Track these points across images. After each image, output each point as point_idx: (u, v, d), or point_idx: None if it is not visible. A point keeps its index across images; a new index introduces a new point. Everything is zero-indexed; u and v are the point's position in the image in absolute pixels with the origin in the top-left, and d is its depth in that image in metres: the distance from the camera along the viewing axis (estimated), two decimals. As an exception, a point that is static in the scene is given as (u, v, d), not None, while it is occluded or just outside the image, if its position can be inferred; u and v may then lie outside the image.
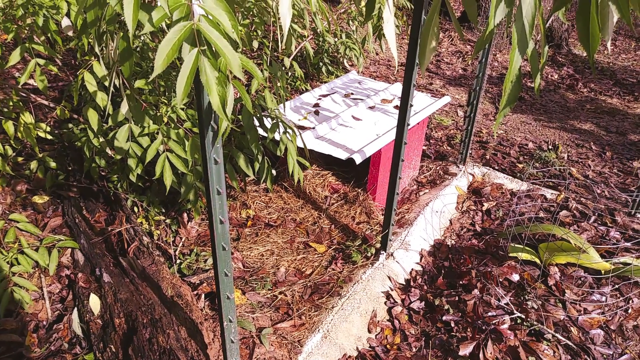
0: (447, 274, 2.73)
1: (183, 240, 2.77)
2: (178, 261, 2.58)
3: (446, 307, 2.48)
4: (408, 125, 2.28)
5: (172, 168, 2.23)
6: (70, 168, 2.96)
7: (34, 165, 2.78)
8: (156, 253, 2.47)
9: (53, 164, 2.82)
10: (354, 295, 2.45)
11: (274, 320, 2.29)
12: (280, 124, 2.39)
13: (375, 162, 2.97)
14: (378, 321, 2.44)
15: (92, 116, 2.19)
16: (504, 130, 4.65)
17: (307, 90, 4.60)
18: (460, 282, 2.61)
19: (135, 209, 2.83)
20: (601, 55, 7.82)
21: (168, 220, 2.84)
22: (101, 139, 2.43)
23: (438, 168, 3.65)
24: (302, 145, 2.60)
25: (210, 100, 1.13)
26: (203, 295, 2.34)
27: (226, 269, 1.61)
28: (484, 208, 3.33)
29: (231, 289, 1.65)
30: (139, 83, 2.37)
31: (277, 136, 2.42)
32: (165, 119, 2.35)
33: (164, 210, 2.88)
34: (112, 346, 1.93)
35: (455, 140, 4.18)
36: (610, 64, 7.31)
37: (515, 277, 2.60)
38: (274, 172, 2.73)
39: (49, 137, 2.72)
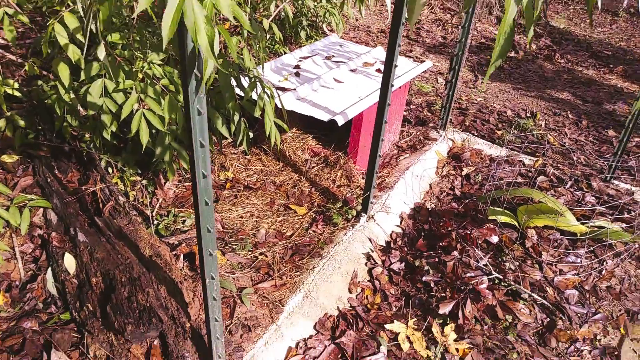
0: (427, 236, 2.74)
1: (160, 201, 2.71)
2: (155, 222, 2.52)
3: (426, 268, 2.50)
4: (392, 86, 2.24)
5: (148, 126, 2.15)
6: (40, 127, 2.84)
7: (2, 123, 2.66)
8: (133, 213, 2.41)
9: (22, 123, 2.70)
10: (334, 256, 2.44)
11: (254, 280, 2.27)
12: (258, 83, 2.32)
13: (357, 125, 2.93)
14: (359, 282, 2.44)
15: (63, 70, 2.08)
16: (483, 98, 4.65)
17: (285, 53, 4.50)
18: (440, 244, 2.62)
19: (110, 170, 2.74)
20: (577, 28, 7.86)
21: (144, 182, 2.76)
22: (72, 95, 2.32)
23: (418, 133, 3.64)
24: (280, 107, 2.55)
25: (198, 42, 1.07)
26: (182, 256, 2.30)
27: (209, 224, 1.57)
28: (464, 173, 3.34)
29: (213, 245, 1.61)
30: (113, 37, 2.26)
31: (254, 96, 2.35)
32: (141, 75, 2.26)
33: (139, 171, 2.80)
34: (89, 305, 1.88)
35: (435, 107, 4.17)
36: (587, 36, 7.36)
37: (494, 239, 2.63)
38: (251, 134, 2.68)
39: (18, 94, 2.60)
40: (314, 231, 2.61)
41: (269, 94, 2.35)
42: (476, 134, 3.83)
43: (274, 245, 2.50)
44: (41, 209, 2.42)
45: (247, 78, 2.35)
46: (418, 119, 3.90)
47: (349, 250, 2.51)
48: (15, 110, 2.81)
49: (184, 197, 2.76)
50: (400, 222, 2.85)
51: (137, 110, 2.13)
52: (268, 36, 4.43)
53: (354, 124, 2.94)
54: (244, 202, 2.79)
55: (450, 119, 3.77)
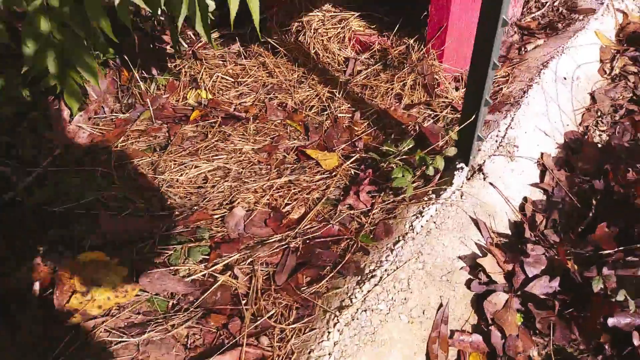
0: (607, 209, 1.24)
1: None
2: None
3: (621, 297, 1.02)
4: None
5: None
6: None
7: None
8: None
9: None
10: (394, 272, 1.03)
11: (190, 348, 0.93)
12: None
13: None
14: (453, 334, 1.03)
15: None
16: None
17: None
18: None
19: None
20: None
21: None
22: None
23: (557, 2, 2.00)
24: None
25: None
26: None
27: None
28: (656, 69, 1.72)
29: None
30: None
31: None
32: None
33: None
34: None
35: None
36: None
37: None
38: (211, 3, 1.26)
39: None
40: (350, 207, 1.21)
41: None
42: (662, 0, 2.11)
43: (259, 245, 1.13)
44: None
45: None
46: (553, -20, 2.23)
47: (430, 252, 1.09)
48: None
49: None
50: (541, 178, 1.35)
51: None
52: None
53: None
54: (217, 146, 1.42)
55: (618, -26, 2.07)
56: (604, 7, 1.93)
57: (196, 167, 1.34)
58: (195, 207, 1.24)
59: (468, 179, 1.26)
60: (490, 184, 1.26)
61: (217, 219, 1.21)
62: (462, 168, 1.24)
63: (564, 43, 1.73)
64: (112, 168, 1.35)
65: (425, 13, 1.51)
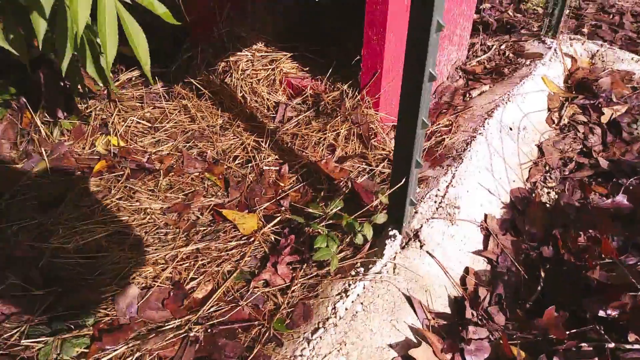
0: (555, 280, 1.10)
1: None
2: None
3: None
4: None
5: None
6: None
7: None
8: None
9: None
10: (309, 371, 0.86)
11: None
12: None
13: (378, 13, 1.26)
14: None
15: None
16: (600, -7, 2.81)
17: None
18: (604, 312, 0.98)
19: None
20: None
21: None
22: None
23: (504, 46, 1.92)
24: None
25: None
26: None
27: None
28: (605, 118, 1.63)
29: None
30: None
31: None
32: None
33: None
34: None
35: (528, 2, 2.39)
36: None
37: None
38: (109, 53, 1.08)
39: None
40: (266, 284, 1.03)
41: None
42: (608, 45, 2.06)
43: (152, 335, 0.93)
44: None
45: None
46: (500, 22, 2.16)
47: (355, 341, 0.92)
48: None
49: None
50: (485, 245, 1.20)
51: None
52: None
53: (371, 12, 1.27)
54: (118, 205, 1.22)
55: (565, 19, 2.00)
56: (551, 51, 1.86)
57: (90, 232, 1.14)
58: (83, 284, 1.04)
59: (402, 248, 1.10)
60: (428, 253, 1.11)
61: (106, 298, 1.01)
62: (394, 236, 1.08)
63: (510, 90, 1.63)
64: (-12, 232, 1.13)
65: (358, 57, 1.38)
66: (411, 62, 0.84)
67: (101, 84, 1.27)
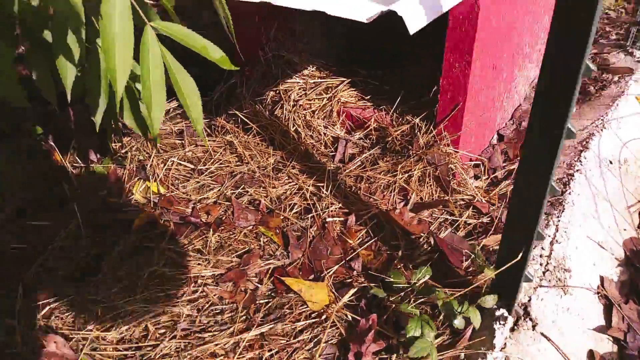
0: None
1: None
2: None
3: None
4: None
5: None
6: None
7: None
8: None
9: None
10: None
11: None
12: None
13: (464, 36, 1.05)
14: None
15: None
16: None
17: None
18: None
19: None
20: None
21: None
22: None
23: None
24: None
25: None
26: None
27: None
28: None
29: None
30: None
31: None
32: None
33: None
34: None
35: (612, 9, 2.14)
36: None
37: None
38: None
39: None
40: (348, 386, 0.84)
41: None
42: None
43: None
44: None
45: None
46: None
47: None
48: None
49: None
50: (607, 319, 0.99)
51: None
52: None
53: (454, 35, 1.06)
54: (163, 276, 1.05)
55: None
56: (640, 64, 1.63)
57: (134, 313, 0.97)
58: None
59: (512, 330, 0.90)
60: (543, 335, 0.90)
61: (156, 402, 0.84)
62: (504, 318, 0.88)
63: (602, 113, 1.41)
64: (15, 315, 0.97)
65: (435, 87, 1.17)
66: (544, 111, 0.64)
67: (142, 135, 1.09)
